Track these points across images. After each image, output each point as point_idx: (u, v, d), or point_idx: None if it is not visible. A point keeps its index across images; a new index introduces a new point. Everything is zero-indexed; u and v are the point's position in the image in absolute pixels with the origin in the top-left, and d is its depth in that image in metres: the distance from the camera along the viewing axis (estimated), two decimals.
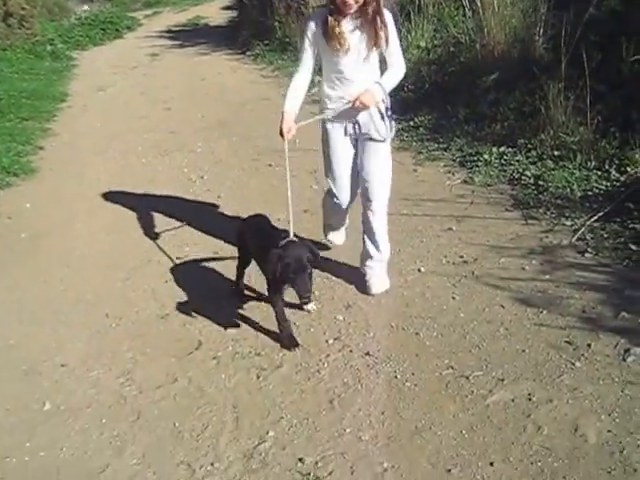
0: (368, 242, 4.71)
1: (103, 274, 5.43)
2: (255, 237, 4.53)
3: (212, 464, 3.39)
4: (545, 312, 4.27)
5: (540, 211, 5.62)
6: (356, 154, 4.54)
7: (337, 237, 5.29)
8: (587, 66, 6.24)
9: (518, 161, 6.54)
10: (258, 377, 4.01)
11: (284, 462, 3.37)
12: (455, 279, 4.75)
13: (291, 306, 4.49)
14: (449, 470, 3.22)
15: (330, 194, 4.75)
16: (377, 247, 4.68)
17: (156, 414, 3.77)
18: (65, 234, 6.37)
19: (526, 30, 7.81)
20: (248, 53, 14.99)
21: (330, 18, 4.04)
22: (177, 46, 18.44)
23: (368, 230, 4.69)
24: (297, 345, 4.20)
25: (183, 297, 5.02)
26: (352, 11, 4.02)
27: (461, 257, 5.03)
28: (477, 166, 6.70)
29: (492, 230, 5.41)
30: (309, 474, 3.26)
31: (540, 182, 6.04)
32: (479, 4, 8.27)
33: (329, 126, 4.54)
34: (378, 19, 4.05)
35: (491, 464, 3.23)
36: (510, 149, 6.78)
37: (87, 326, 4.68)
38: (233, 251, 5.22)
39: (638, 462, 3.14)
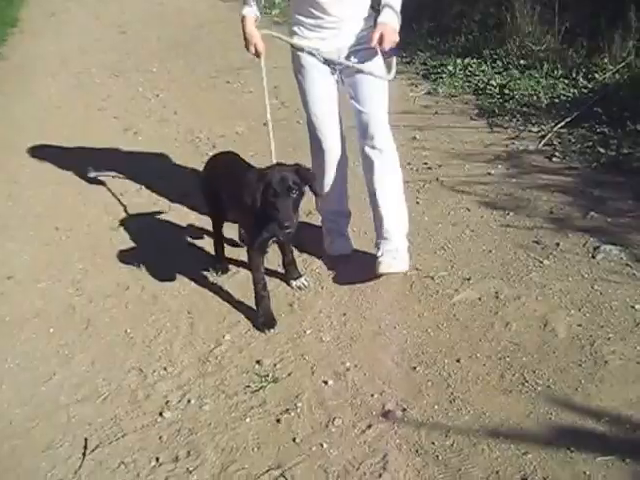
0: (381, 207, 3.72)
1: (53, 190, 5.17)
2: (227, 178, 3.68)
3: (165, 369, 3.21)
4: (512, 214, 4.11)
5: (506, 119, 5.46)
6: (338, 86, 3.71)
7: (340, 246, 4.07)
8: None
9: (483, 71, 6.35)
10: (214, 284, 3.80)
11: (241, 364, 3.19)
12: (419, 185, 4.58)
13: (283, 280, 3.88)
14: (414, 368, 3.08)
15: (314, 139, 3.81)
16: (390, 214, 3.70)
17: (107, 322, 3.58)
18: (13, 152, 6.04)
19: None
20: None
21: None
22: None
23: (378, 185, 3.71)
24: (273, 326, 3.51)
25: (137, 209, 4.77)
26: None
27: (425, 164, 4.85)
28: (441, 78, 6.51)
29: (457, 138, 5.23)
30: (267, 375, 3.09)
31: (506, 91, 5.87)
32: None
33: (304, 58, 3.66)
34: None
35: (458, 361, 3.09)
36: (475, 60, 6.61)
37: (35, 239, 4.44)
38: (188, 166, 5.03)
39: (609, 354, 3.02)
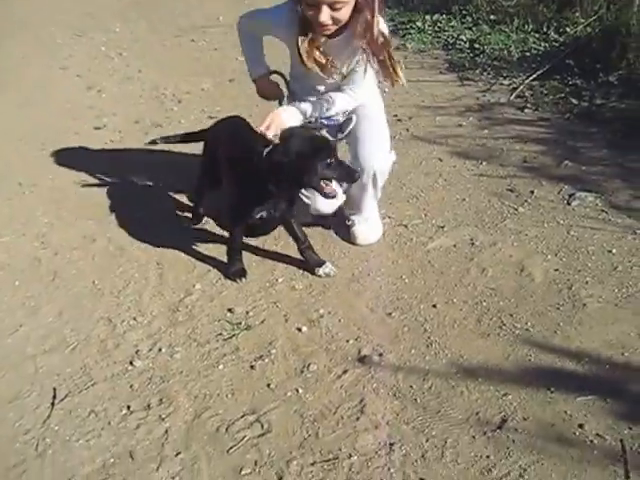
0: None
1: (15, 146, 4.98)
2: (233, 145, 3.39)
3: (134, 318, 3.11)
4: (485, 163, 4.05)
5: (476, 72, 5.41)
6: None
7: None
8: None
9: (453, 27, 6.30)
10: (183, 235, 3.72)
11: (212, 313, 3.11)
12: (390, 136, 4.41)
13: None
14: (389, 314, 3.02)
15: None
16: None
17: (74, 274, 3.46)
18: None
19: None
20: None
21: (301, 38, 3.01)
22: None
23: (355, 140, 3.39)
24: (244, 275, 3.41)
25: (102, 165, 4.61)
26: (330, 32, 3.00)
27: (395, 116, 4.76)
28: (410, 34, 6.43)
29: (427, 92, 5.17)
30: (239, 323, 3.02)
31: (476, 45, 5.82)
32: None
33: None
34: (375, 38, 2.98)
35: (434, 306, 3.05)
36: (444, 16, 6.56)
37: None
38: (151, 120, 4.91)
39: (587, 297, 2.99)
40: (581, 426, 2.37)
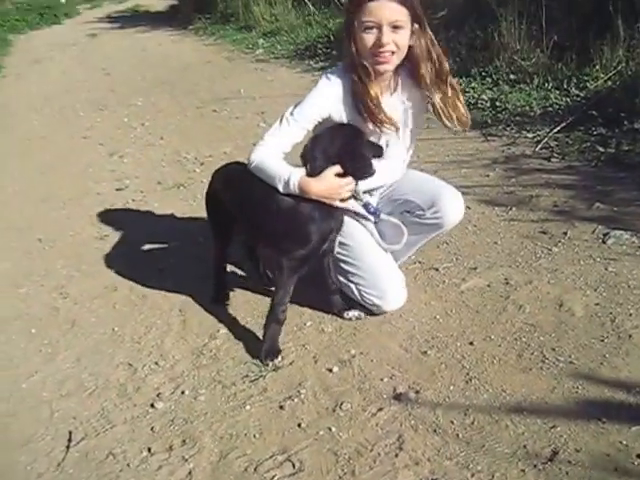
0: None
1: (37, 206, 4.95)
2: (243, 189, 3.00)
3: (156, 363, 2.95)
4: (514, 209, 3.92)
5: (499, 128, 5.30)
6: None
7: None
8: None
9: (473, 88, 6.21)
10: (206, 282, 3.51)
11: (238, 356, 2.94)
12: None
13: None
14: (425, 352, 2.84)
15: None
16: None
17: (93, 321, 3.32)
18: None
19: None
20: (190, 27, 14.51)
21: (363, 87, 2.79)
22: (117, 28, 17.85)
23: None
24: (277, 356, 2.95)
25: (124, 221, 4.53)
26: (391, 66, 2.79)
27: (421, 170, 4.57)
28: None
29: (451, 148, 5.04)
30: (267, 365, 2.75)
31: (497, 104, 5.74)
32: None
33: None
34: (436, 64, 2.82)
35: (471, 344, 2.86)
36: (464, 78, 6.40)
37: (17, 249, 4.19)
38: (173, 181, 4.81)
39: (632, 328, 2.81)
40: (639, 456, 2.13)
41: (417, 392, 2.59)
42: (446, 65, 2.84)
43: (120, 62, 11.32)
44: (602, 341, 2.76)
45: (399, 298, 3.08)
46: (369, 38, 2.70)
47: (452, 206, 3.02)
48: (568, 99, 5.39)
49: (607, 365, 2.61)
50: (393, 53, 2.67)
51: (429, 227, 3.08)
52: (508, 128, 5.18)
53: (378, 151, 2.85)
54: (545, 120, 5.14)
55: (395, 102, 2.88)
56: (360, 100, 2.77)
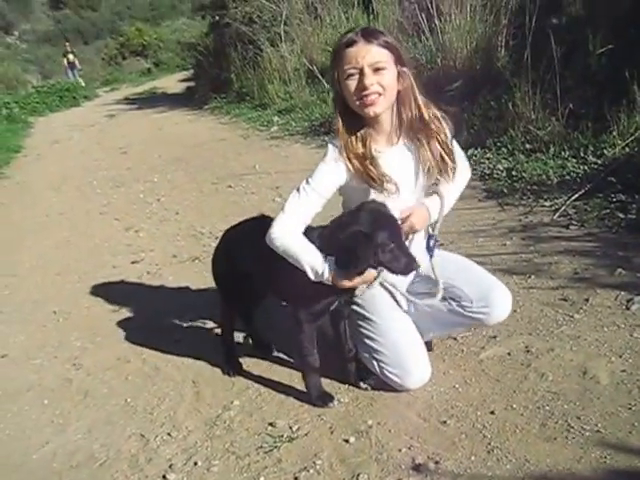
0: None
1: (52, 280, 4.96)
2: (256, 245, 2.88)
3: (169, 434, 2.90)
4: (533, 277, 3.84)
5: (516, 197, 5.24)
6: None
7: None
8: (554, 61, 5.99)
9: (488, 159, 6.17)
10: (220, 353, 3.48)
11: (252, 427, 2.88)
12: None
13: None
14: (444, 422, 2.75)
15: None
16: None
17: (105, 392, 3.29)
18: (13, 251, 5.93)
19: (487, 41, 7.45)
20: (205, 107, 14.67)
21: (354, 142, 2.78)
22: (134, 109, 18.12)
23: None
24: (332, 399, 2.99)
25: (139, 294, 4.55)
26: (379, 109, 2.74)
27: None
28: None
29: (467, 218, 4.99)
30: (282, 436, 2.78)
31: (514, 173, 5.68)
32: (437, 22, 7.89)
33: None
34: (431, 133, 2.80)
35: (492, 413, 2.78)
36: (479, 150, 6.35)
37: (32, 322, 4.19)
38: (189, 254, 4.80)
39: None
40: None
41: (437, 463, 2.50)
42: (425, 113, 2.80)
43: (137, 141, 11.45)
44: (630, 409, 2.65)
45: (423, 378, 2.97)
46: (352, 84, 2.68)
47: (502, 304, 2.94)
48: (586, 167, 5.34)
49: (636, 434, 2.50)
50: (380, 95, 2.63)
51: (471, 319, 2.99)
52: (525, 197, 5.13)
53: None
54: (563, 188, 5.08)
55: (397, 154, 2.83)
56: (350, 159, 2.72)
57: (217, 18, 15.27)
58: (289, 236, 2.69)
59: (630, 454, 2.40)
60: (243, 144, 9.63)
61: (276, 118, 10.78)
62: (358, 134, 2.77)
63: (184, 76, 22.03)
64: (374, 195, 2.80)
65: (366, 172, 2.74)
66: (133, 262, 5.13)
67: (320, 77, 10.21)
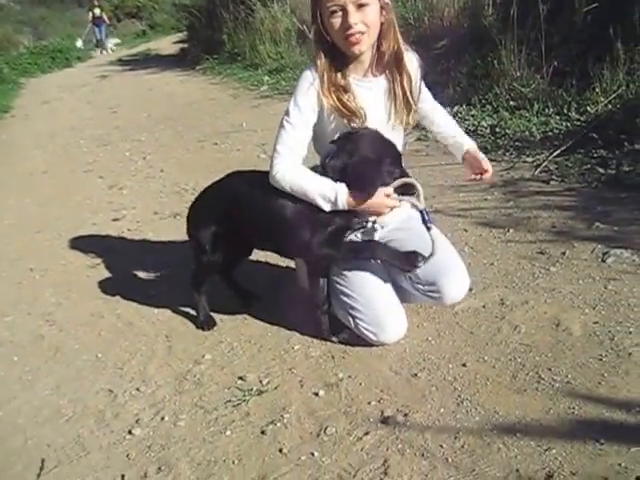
0: None
1: (31, 237, 4.86)
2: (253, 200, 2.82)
3: (137, 389, 2.82)
4: (512, 231, 3.76)
5: (499, 153, 5.15)
6: None
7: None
8: (539, 19, 5.95)
9: (473, 115, 6.08)
10: (194, 309, 3.34)
11: (222, 381, 2.81)
12: None
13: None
14: (415, 374, 2.69)
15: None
16: None
17: (76, 348, 3.21)
18: None
19: (475, 1, 7.27)
20: (197, 68, 14.47)
21: (334, 75, 2.67)
22: (127, 70, 17.91)
23: None
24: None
25: (118, 251, 4.47)
26: (364, 47, 2.63)
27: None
28: None
29: (449, 173, 4.91)
30: (251, 389, 2.71)
31: (497, 130, 5.60)
32: None
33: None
34: (403, 70, 2.73)
35: (464, 365, 2.71)
36: (464, 107, 6.26)
37: (7, 279, 4.10)
38: (170, 210, 4.73)
39: (632, 346, 2.65)
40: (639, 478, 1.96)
41: (405, 415, 2.44)
42: (402, 47, 2.72)
43: (127, 101, 11.30)
44: (600, 360, 2.59)
45: (399, 333, 2.88)
46: (336, 22, 2.55)
47: (455, 289, 2.83)
48: (568, 123, 5.25)
49: (605, 385, 2.45)
50: (363, 33, 2.52)
51: (425, 298, 2.89)
52: (507, 153, 5.04)
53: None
54: (545, 145, 4.99)
55: (373, 87, 2.75)
56: (328, 91, 2.64)
57: None
58: (292, 171, 2.61)
59: (598, 404, 2.35)
60: (232, 103, 9.49)
61: (266, 78, 10.65)
62: (338, 66, 2.68)
63: (178, 38, 21.70)
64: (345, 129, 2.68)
65: (342, 104, 2.64)
66: (114, 219, 5.03)
67: (311, 37, 10.02)
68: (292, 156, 2.61)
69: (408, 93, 2.76)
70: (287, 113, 2.65)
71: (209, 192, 3.11)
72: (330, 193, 2.56)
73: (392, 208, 2.71)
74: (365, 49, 2.61)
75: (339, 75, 2.67)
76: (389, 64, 2.72)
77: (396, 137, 2.84)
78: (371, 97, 2.74)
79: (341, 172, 2.62)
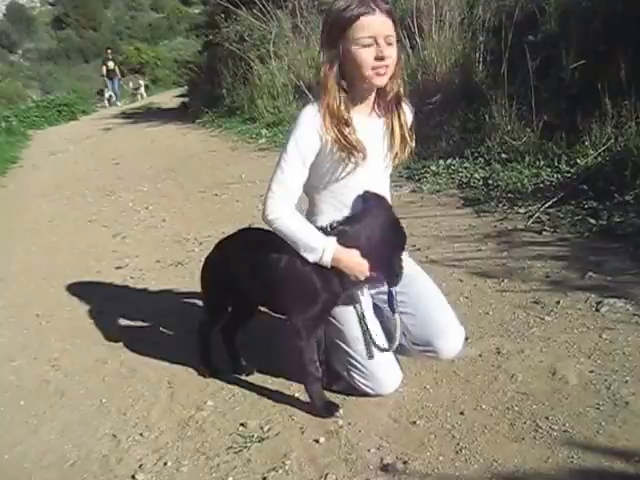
0: None
1: (38, 284, 4.84)
2: (252, 255, 2.84)
3: (141, 434, 2.78)
4: (506, 281, 3.75)
5: (492, 204, 5.15)
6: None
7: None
8: (529, 75, 5.99)
9: (466, 168, 6.11)
10: (197, 355, 3.35)
11: (224, 427, 2.77)
12: None
13: None
14: (414, 422, 2.66)
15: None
16: None
17: (81, 393, 3.18)
18: (1, 255, 5.85)
19: (466, 57, 7.41)
20: (198, 121, 14.57)
21: (339, 109, 2.59)
22: (130, 123, 18.01)
23: None
24: (337, 409, 2.81)
25: (122, 298, 4.44)
26: (385, 80, 2.59)
27: (413, 246, 4.47)
28: (425, 178, 6.24)
29: (444, 224, 4.91)
30: (252, 436, 2.67)
31: (490, 182, 5.62)
32: (418, 40, 7.84)
33: None
34: (401, 109, 2.75)
35: (461, 413, 2.68)
36: (457, 160, 6.29)
37: (14, 325, 4.06)
38: (172, 259, 4.72)
39: (629, 395, 2.62)
40: None
41: (405, 463, 2.40)
42: (402, 90, 2.73)
43: (130, 153, 11.35)
44: (598, 409, 2.56)
45: (394, 384, 2.87)
46: (367, 54, 2.52)
47: (450, 348, 2.83)
48: (559, 175, 5.28)
49: (604, 433, 2.41)
50: (388, 67, 2.50)
51: (419, 354, 2.90)
52: (500, 205, 5.05)
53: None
54: (537, 196, 5.02)
55: (372, 124, 2.72)
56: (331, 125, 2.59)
57: (210, 37, 15.16)
58: (287, 216, 2.55)
59: (597, 453, 2.31)
60: (232, 155, 9.54)
61: (264, 131, 10.71)
62: (344, 100, 2.63)
63: (179, 92, 21.87)
64: (344, 166, 2.68)
65: (343, 137, 2.60)
66: (117, 267, 5.00)
67: (307, 92, 10.12)
68: (287, 198, 2.56)
69: (405, 129, 2.74)
70: (285, 151, 2.58)
71: (222, 246, 3.10)
72: (318, 248, 2.52)
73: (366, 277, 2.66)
74: (384, 83, 2.60)
75: (342, 108, 2.62)
76: (390, 103, 2.71)
77: (386, 177, 2.89)
78: (371, 133, 2.72)
79: (354, 239, 2.59)
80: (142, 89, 26.65)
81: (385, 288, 2.76)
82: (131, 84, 27.03)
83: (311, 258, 2.59)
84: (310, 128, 2.62)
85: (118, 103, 26.01)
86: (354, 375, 2.82)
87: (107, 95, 26.12)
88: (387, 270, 2.63)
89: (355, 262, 2.58)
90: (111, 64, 26.01)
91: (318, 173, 2.74)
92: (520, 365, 2.93)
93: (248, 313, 3.20)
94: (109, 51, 26.81)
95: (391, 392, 2.84)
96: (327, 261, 2.55)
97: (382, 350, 2.75)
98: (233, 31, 13.44)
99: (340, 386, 2.89)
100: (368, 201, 2.66)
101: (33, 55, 48.90)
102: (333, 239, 2.52)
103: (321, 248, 2.52)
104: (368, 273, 2.65)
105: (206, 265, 3.16)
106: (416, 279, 2.88)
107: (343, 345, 2.83)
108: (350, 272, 2.62)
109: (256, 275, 2.83)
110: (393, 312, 2.76)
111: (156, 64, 36.51)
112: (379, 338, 2.81)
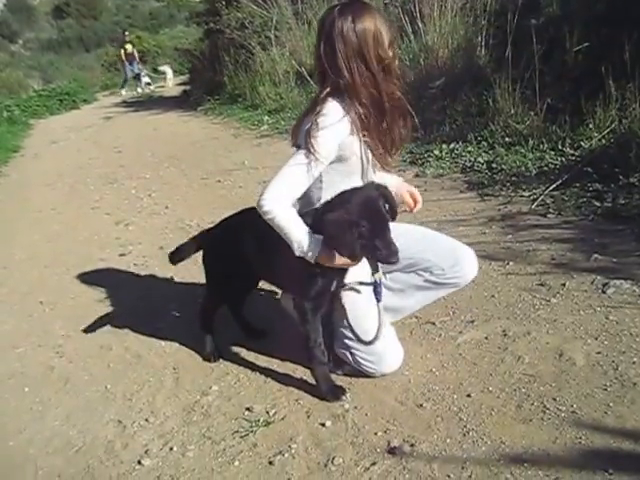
0: None
1: (41, 271, 4.82)
2: (258, 236, 2.80)
3: (146, 420, 2.77)
4: (512, 263, 3.71)
5: (496, 188, 5.10)
6: None
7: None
8: (533, 59, 5.93)
9: (469, 152, 6.05)
10: (202, 341, 3.25)
11: (229, 412, 2.76)
12: None
13: None
14: (420, 405, 2.65)
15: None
16: None
17: (86, 379, 3.17)
18: (4, 244, 5.82)
19: (468, 41, 7.35)
20: (200, 108, 14.47)
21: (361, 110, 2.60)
22: (131, 111, 17.90)
23: None
24: (344, 393, 2.80)
25: (125, 285, 4.44)
26: None
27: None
28: (428, 162, 6.17)
29: (448, 208, 4.87)
30: (258, 420, 2.66)
31: (493, 165, 5.56)
32: (420, 25, 7.77)
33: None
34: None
35: (468, 396, 2.66)
36: (460, 144, 6.24)
37: (19, 312, 4.06)
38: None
39: (636, 376, 2.59)
40: None
41: (412, 445, 2.39)
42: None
43: (132, 141, 11.30)
44: (605, 390, 2.54)
45: (397, 360, 2.86)
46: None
47: (472, 264, 2.90)
48: (563, 158, 5.22)
49: (611, 414, 2.39)
50: None
51: (446, 285, 2.90)
52: (504, 188, 5.00)
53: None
54: (541, 179, 4.96)
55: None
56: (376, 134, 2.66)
57: (211, 25, 15.07)
58: (280, 206, 2.50)
59: (605, 434, 2.30)
60: (234, 142, 9.49)
61: (266, 117, 10.66)
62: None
63: (181, 80, 21.74)
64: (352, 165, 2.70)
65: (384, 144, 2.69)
66: (121, 254, 4.99)
67: (309, 78, 10.08)
68: (287, 198, 2.53)
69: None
70: (311, 149, 2.53)
71: (224, 224, 3.09)
72: (305, 245, 2.51)
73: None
74: None
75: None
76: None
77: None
78: None
79: (317, 225, 2.55)
80: (170, 74, 25.82)
81: (372, 279, 2.73)
82: (161, 68, 26.12)
83: (297, 253, 2.55)
84: (337, 121, 2.62)
85: (149, 87, 24.94)
86: (357, 356, 2.81)
87: (145, 80, 24.92)
88: (371, 254, 2.58)
89: (338, 263, 2.55)
90: (129, 47, 24.36)
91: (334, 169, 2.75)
92: (527, 347, 2.91)
93: (251, 286, 3.21)
94: (126, 33, 25.75)
95: (394, 371, 2.84)
96: (311, 260, 2.54)
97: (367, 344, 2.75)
98: (234, 18, 13.34)
99: (345, 369, 2.84)
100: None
101: (34, 45, 48.78)
102: (319, 239, 2.48)
103: (306, 247, 2.51)
104: (352, 266, 2.64)
105: (209, 243, 3.10)
106: (411, 227, 2.99)
107: (346, 328, 2.78)
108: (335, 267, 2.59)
109: (261, 251, 2.82)
110: (378, 301, 2.72)
111: (157, 52, 36.35)
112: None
